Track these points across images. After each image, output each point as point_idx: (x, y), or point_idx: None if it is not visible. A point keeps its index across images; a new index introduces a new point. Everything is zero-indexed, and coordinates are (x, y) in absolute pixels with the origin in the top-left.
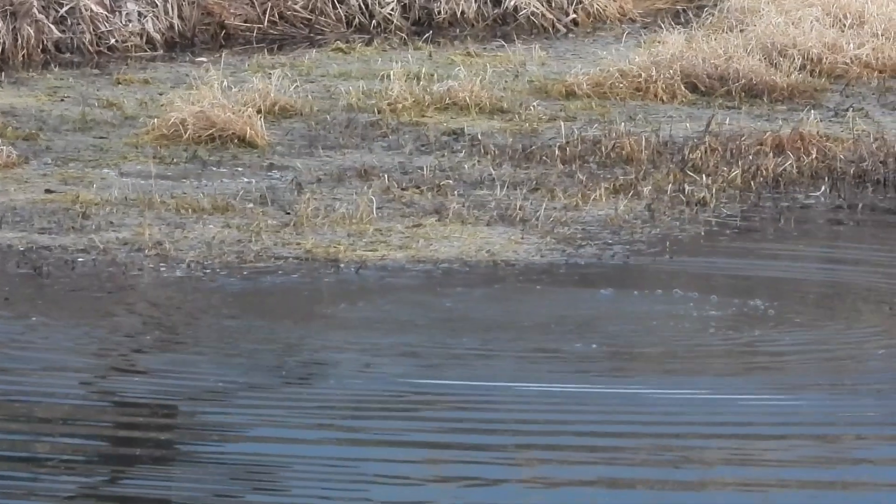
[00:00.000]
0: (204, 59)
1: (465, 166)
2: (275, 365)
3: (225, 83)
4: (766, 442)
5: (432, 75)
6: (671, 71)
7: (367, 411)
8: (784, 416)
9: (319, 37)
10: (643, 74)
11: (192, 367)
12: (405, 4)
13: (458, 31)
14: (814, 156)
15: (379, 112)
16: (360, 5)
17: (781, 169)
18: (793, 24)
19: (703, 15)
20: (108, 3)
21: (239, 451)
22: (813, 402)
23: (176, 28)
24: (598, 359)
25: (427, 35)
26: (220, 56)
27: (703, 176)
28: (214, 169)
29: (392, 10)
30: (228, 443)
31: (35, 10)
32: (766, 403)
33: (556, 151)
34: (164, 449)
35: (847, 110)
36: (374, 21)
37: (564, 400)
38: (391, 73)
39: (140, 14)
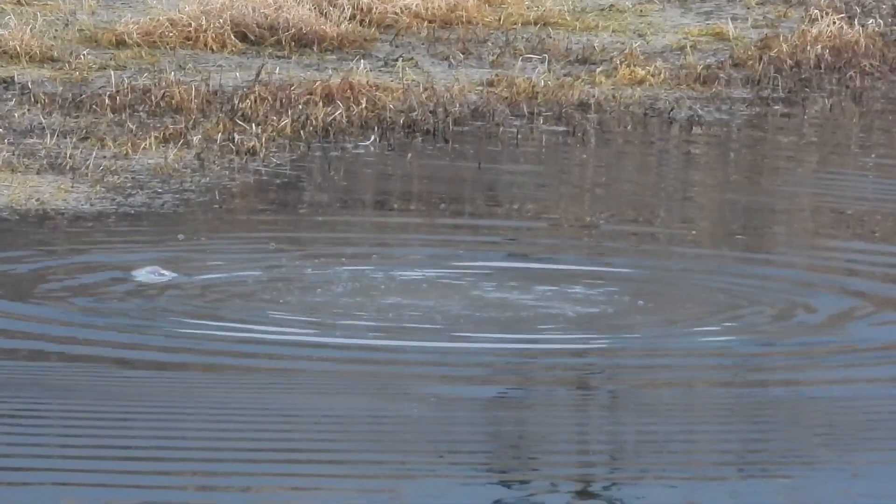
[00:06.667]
0: None
1: (15, 115)
2: None
3: None
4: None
5: None
6: (221, 20)
7: None
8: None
9: None
10: (193, 24)
11: None
12: None
13: None
14: (363, 105)
15: None
16: None
17: (331, 118)
18: None
19: None
20: None
21: None
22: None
23: None
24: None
25: None
26: None
27: (253, 125)
28: None
29: None
30: None
31: None
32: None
33: (107, 100)
34: None
35: (397, 60)
36: None
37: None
38: None
39: None
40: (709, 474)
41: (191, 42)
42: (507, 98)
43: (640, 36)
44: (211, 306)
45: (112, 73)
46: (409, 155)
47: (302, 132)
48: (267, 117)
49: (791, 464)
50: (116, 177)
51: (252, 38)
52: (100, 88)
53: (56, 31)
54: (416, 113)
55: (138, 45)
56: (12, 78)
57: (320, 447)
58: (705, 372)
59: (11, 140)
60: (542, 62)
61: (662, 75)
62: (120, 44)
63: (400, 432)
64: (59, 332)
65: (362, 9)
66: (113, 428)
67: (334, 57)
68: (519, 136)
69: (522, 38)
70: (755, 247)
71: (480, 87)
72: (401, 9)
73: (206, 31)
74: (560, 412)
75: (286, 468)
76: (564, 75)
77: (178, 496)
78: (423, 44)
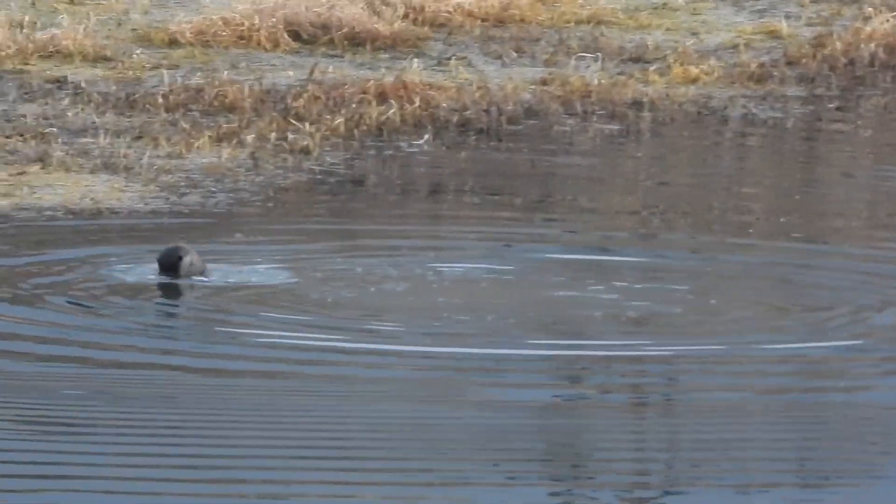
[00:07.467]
0: None
1: (69, 114)
2: None
3: None
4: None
5: (35, 23)
6: (274, 19)
7: None
8: None
9: None
10: (246, 23)
11: None
12: None
13: None
14: (417, 104)
15: None
16: None
17: (384, 117)
18: None
19: None
20: None
21: None
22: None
23: None
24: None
25: None
26: None
27: (307, 124)
28: None
29: None
30: None
31: None
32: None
33: (160, 100)
34: None
35: (450, 59)
36: None
37: None
38: None
39: None
40: (765, 482)
41: (244, 41)
42: (560, 97)
43: (693, 34)
44: (263, 309)
45: (165, 72)
46: (463, 153)
47: (355, 131)
48: (320, 116)
49: (850, 472)
50: (170, 176)
51: (305, 37)
52: (153, 88)
53: (109, 30)
54: (469, 112)
55: (191, 45)
56: (66, 77)
57: (374, 454)
58: (762, 377)
59: (65, 139)
60: (595, 60)
61: (716, 73)
62: (173, 43)
63: (453, 439)
64: (111, 337)
65: (415, 7)
66: (166, 435)
67: (387, 56)
68: (572, 135)
69: (576, 36)
70: (813, 243)
71: (534, 86)
72: (454, 7)
73: (259, 30)
74: (615, 419)
75: (340, 475)
76: (618, 74)
77: (233, 502)
78: (476, 42)
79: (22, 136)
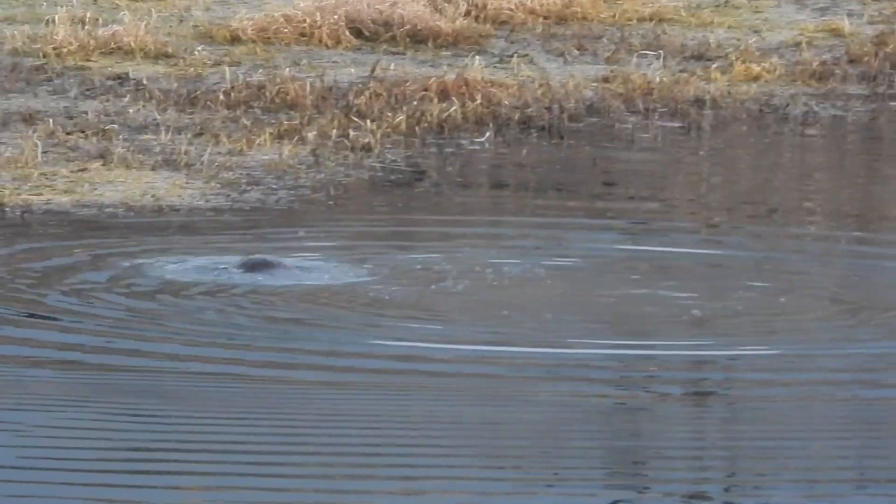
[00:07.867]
0: None
1: (130, 111)
2: None
3: None
4: None
5: (97, 20)
6: (336, 16)
7: None
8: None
9: None
10: (308, 20)
11: None
12: None
13: None
14: (478, 101)
15: (44, 56)
16: None
17: (446, 114)
18: None
19: None
20: None
21: None
22: None
23: None
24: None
25: None
26: None
27: (368, 121)
28: None
29: None
30: None
31: None
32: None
33: (221, 96)
34: None
35: (512, 56)
36: None
37: None
38: (56, 17)
39: None
40: (830, 492)
41: (305, 38)
42: (622, 94)
43: (755, 32)
44: (322, 308)
45: (227, 69)
46: (524, 151)
47: (417, 128)
48: (382, 113)
49: None
50: (231, 173)
51: (367, 34)
52: (214, 84)
53: (171, 27)
54: (531, 109)
55: (253, 42)
56: (127, 74)
57: (434, 462)
58: (826, 382)
59: (126, 136)
60: (657, 58)
61: (778, 71)
62: (234, 40)
63: (513, 443)
64: (172, 337)
65: (477, 5)
66: (229, 434)
67: (449, 53)
68: (634, 132)
69: (637, 34)
70: (873, 237)
71: (595, 84)
72: (515, 5)
73: (320, 27)
74: (677, 422)
75: (400, 484)
76: (680, 71)
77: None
78: (537, 40)
79: (83, 132)
